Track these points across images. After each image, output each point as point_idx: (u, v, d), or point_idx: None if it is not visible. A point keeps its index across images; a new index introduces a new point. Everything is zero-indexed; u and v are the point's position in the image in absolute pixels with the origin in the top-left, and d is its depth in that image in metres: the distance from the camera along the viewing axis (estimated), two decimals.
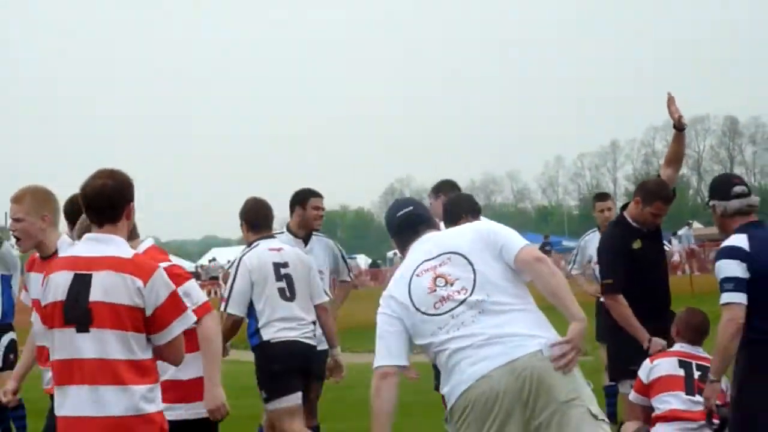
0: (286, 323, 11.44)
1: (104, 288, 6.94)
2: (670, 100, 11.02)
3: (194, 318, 7.53)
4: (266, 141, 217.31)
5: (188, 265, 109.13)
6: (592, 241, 15.81)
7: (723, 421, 9.82)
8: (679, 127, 11.27)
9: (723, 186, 10.06)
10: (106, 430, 6.82)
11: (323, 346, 12.42)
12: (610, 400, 15.39)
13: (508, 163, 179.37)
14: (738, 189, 9.66)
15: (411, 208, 7.87)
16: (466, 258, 7.28)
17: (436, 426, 10.66)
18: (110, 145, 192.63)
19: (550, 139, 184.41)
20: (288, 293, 11.50)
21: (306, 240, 12.44)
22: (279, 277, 11.51)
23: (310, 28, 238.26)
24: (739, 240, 9.36)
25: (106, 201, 6.99)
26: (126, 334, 6.99)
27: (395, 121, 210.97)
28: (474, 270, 7.21)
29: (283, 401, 11.37)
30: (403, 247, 7.79)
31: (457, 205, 10.48)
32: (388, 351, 7.26)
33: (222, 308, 11.50)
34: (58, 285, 7.02)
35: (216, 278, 72.52)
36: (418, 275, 7.33)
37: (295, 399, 11.46)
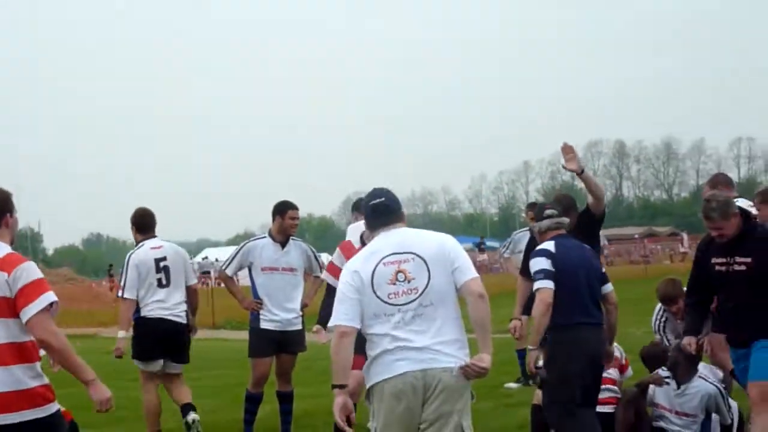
0: (160, 304, 12.29)
1: None
2: (564, 149, 11.14)
3: (52, 298, 7.24)
4: (246, 156, 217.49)
5: None
6: (523, 237, 16.56)
7: (542, 381, 10.18)
8: (576, 172, 11.43)
9: (539, 211, 10.79)
10: None
11: (294, 327, 12.82)
12: (521, 361, 15.87)
13: (442, 179, 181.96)
14: (548, 212, 10.38)
15: (383, 199, 7.74)
16: (426, 264, 7.27)
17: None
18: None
19: (475, 159, 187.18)
20: (164, 281, 12.33)
21: (284, 244, 12.70)
22: (158, 270, 12.32)
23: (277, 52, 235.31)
24: (548, 245, 10.01)
25: None
26: (7, 320, 7.07)
27: (351, 141, 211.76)
28: (429, 276, 7.22)
29: (145, 365, 12.34)
30: (372, 230, 7.78)
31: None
32: (346, 313, 7.28)
33: (120, 294, 12.58)
34: None
35: (207, 273, 72.14)
36: (384, 264, 7.30)
37: (154, 366, 12.38)
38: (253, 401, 12.92)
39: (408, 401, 7.09)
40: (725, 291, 9.51)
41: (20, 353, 7.11)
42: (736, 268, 9.11)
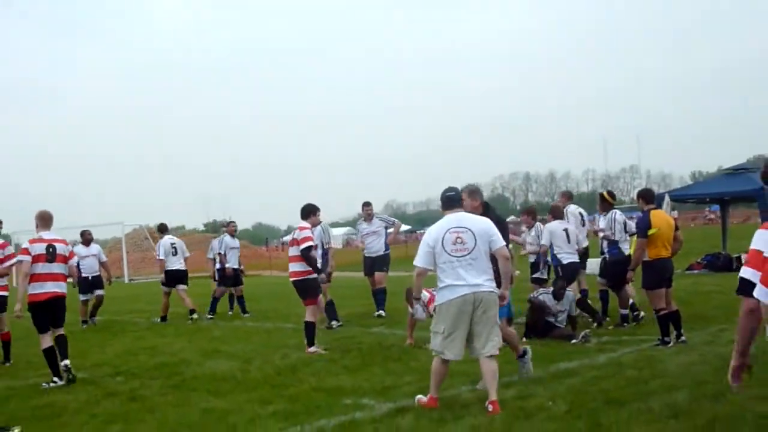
0: (174, 263, 17.19)
1: None
2: None
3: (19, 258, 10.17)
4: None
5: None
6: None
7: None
8: None
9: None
10: None
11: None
12: None
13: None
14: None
15: (453, 193, 7.82)
16: (474, 235, 7.42)
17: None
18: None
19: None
20: (174, 253, 17.17)
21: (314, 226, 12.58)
22: (172, 247, 17.19)
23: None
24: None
25: None
26: None
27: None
28: (475, 242, 7.40)
29: (167, 289, 17.33)
30: (444, 210, 7.77)
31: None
32: (425, 261, 7.50)
33: (158, 256, 17.54)
34: None
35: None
36: (449, 232, 7.42)
37: (169, 290, 17.25)
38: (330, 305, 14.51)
39: (466, 309, 7.33)
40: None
41: None
42: None
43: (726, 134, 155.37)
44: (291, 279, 11.70)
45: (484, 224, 7.60)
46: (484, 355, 7.36)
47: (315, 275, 11.58)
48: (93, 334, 15.63)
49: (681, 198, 26.02)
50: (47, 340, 10.06)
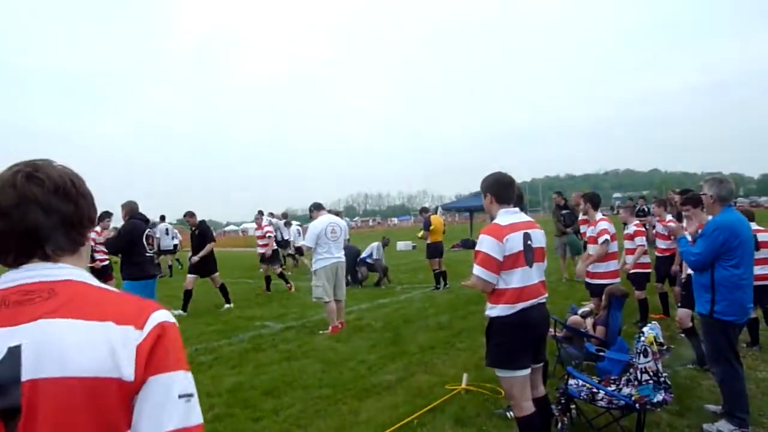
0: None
1: None
2: None
3: None
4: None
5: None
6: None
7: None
8: None
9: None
10: None
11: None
12: None
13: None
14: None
15: (319, 202, 7.08)
16: (341, 229, 6.83)
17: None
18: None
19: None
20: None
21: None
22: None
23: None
24: None
25: None
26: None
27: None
28: (341, 232, 6.85)
29: None
30: (319, 211, 6.99)
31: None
32: (313, 241, 6.72)
33: None
34: None
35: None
36: (330, 225, 6.73)
37: None
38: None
39: (336, 271, 6.79)
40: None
41: None
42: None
43: (476, 170, 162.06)
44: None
45: (344, 224, 7.13)
46: (341, 298, 6.98)
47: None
48: None
49: (448, 208, 26.72)
50: None
